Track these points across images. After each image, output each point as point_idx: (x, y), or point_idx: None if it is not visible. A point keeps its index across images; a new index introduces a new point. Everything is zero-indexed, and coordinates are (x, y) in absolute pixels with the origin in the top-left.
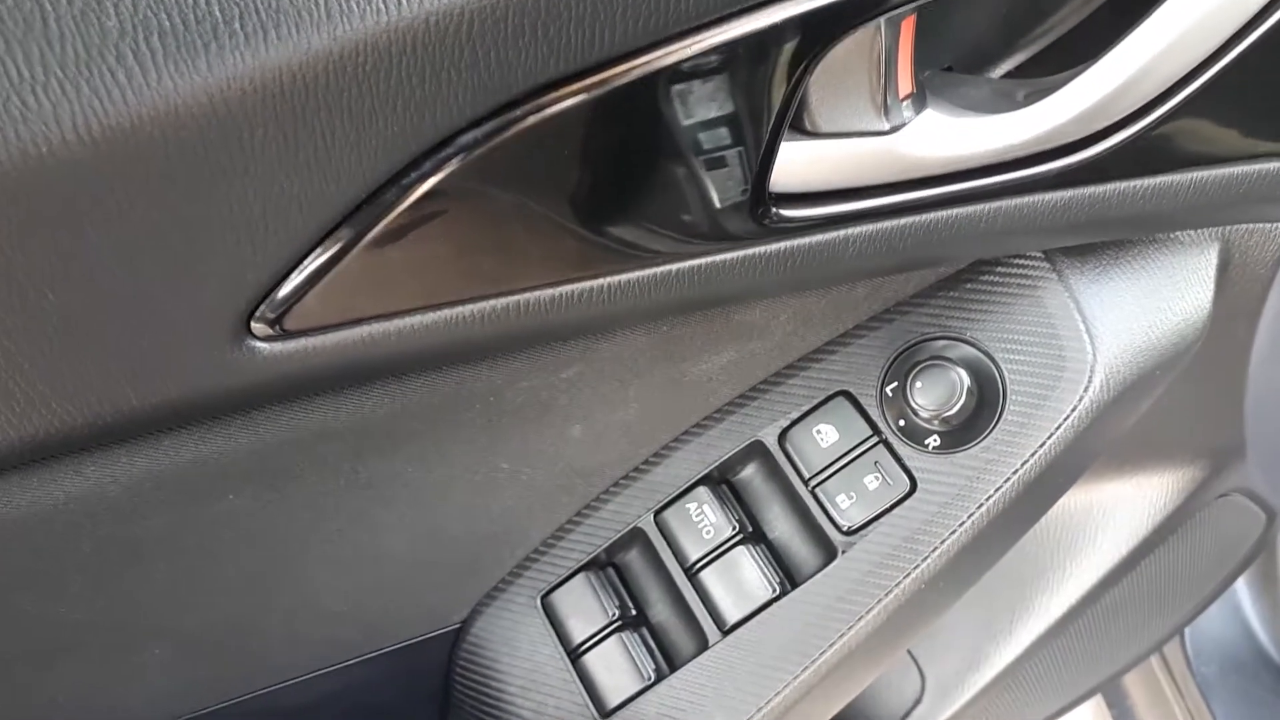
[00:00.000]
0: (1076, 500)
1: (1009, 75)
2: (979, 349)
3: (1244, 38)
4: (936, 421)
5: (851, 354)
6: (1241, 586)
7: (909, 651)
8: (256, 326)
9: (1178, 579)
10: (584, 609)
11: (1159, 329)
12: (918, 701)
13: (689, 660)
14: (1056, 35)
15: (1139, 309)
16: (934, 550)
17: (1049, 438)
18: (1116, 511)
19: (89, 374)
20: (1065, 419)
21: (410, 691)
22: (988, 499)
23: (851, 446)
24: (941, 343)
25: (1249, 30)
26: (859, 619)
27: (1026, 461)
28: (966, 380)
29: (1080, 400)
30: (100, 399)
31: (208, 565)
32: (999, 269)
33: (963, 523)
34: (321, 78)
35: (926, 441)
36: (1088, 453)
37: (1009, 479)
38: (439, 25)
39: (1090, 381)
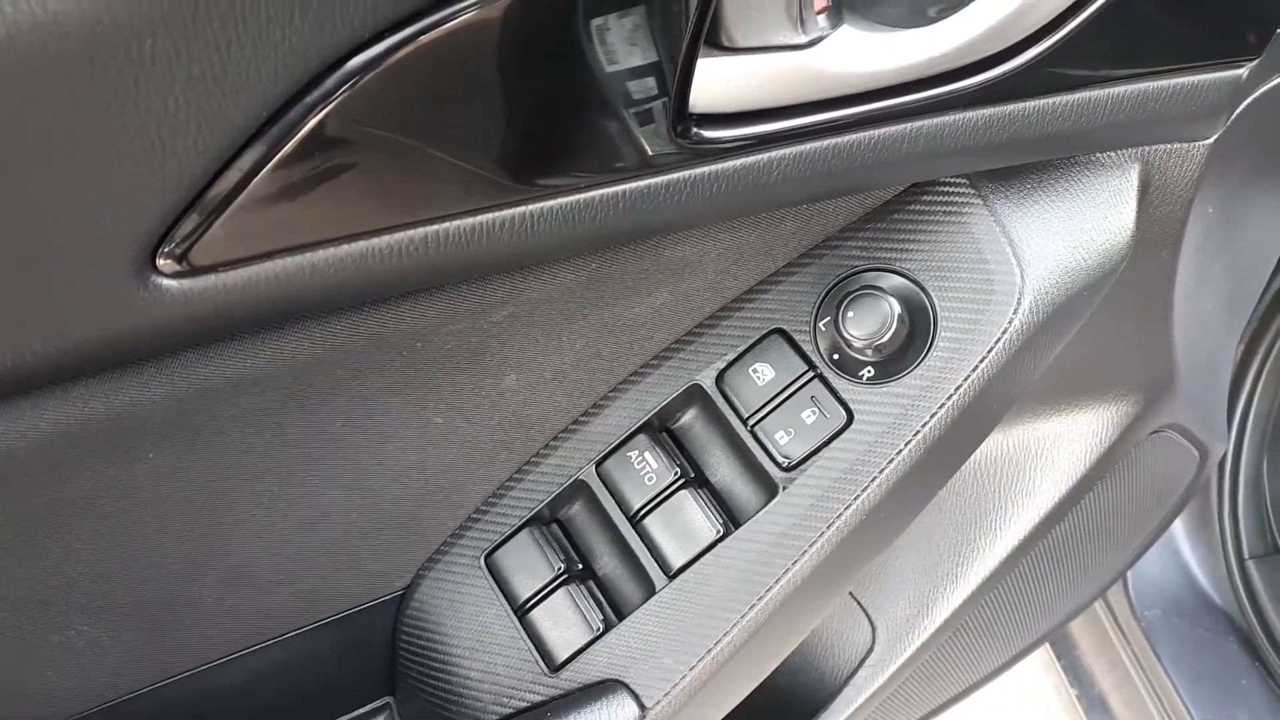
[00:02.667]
0: (1013, 441)
1: None
2: (909, 278)
3: None
4: (870, 352)
5: (784, 291)
6: (1179, 530)
7: (859, 602)
8: (162, 263)
9: (1116, 521)
10: (528, 566)
11: (1084, 250)
12: (870, 650)
13: (637, 608)
14: None
15: (1064, 231)
16: (873, 481)
17: (981, 362)
18: (1053, 451)
19: None
20: (996, 343)
21: (355, 663)
22: (924, 426)
23: (788, 383)
24: (871, 274)
25: None
26: (803, 554)
27: (960, 386)
28: (897, 309)
29: (1010, 323)
30: None
31: (133, 534)
32: (925, 198)
33: (900, 451)
34: None
35: (861, 373)
36: (1020, 378)
37: (944, 405)
38: None
39: (1019, 304)
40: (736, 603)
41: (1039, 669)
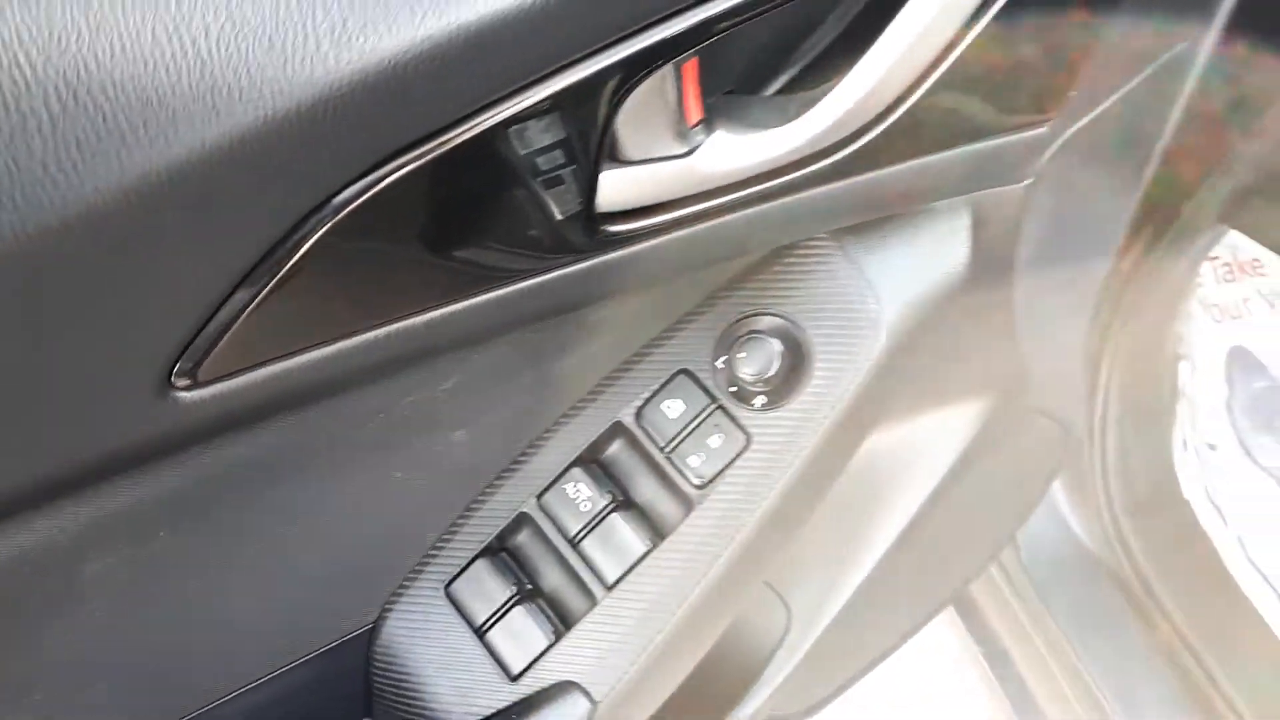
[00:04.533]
0: (895, 436)
1: (781, 92)
2: (787, 319)
3: (958, 44)
4: (760, 384)
5: (685, 337)
6: (1060, 494)
7: (775, 590)
8: (177, 380)
9: (997, 493)
10: (485, 591)
11: (929, 283)
12: (787, 631)
13: (582, 617)
14: (815, 54)
15: (911, 268)
16: (773, 491)
17: (852, 385)
18: (929, 442)
19: (37, 439)
20: (863, 369)
21: (334, 693)
22: (810, 443)
23: (695, 415)
24: (756, 318)
25: (961, 38)
26: (719, 557)
27: (836, 408)
28: (779, 347)
29: (873, 351)
30: (48, 459)
31: (141, 599)
32: (796, 252)
33: (792, 465)
34: (220, 166)
35: (755, 402)
36: (887, 392)
37: (824, 424)
38: (314, 111)
39: (879, 335)
40: (667, 604)
41: (946, 630)
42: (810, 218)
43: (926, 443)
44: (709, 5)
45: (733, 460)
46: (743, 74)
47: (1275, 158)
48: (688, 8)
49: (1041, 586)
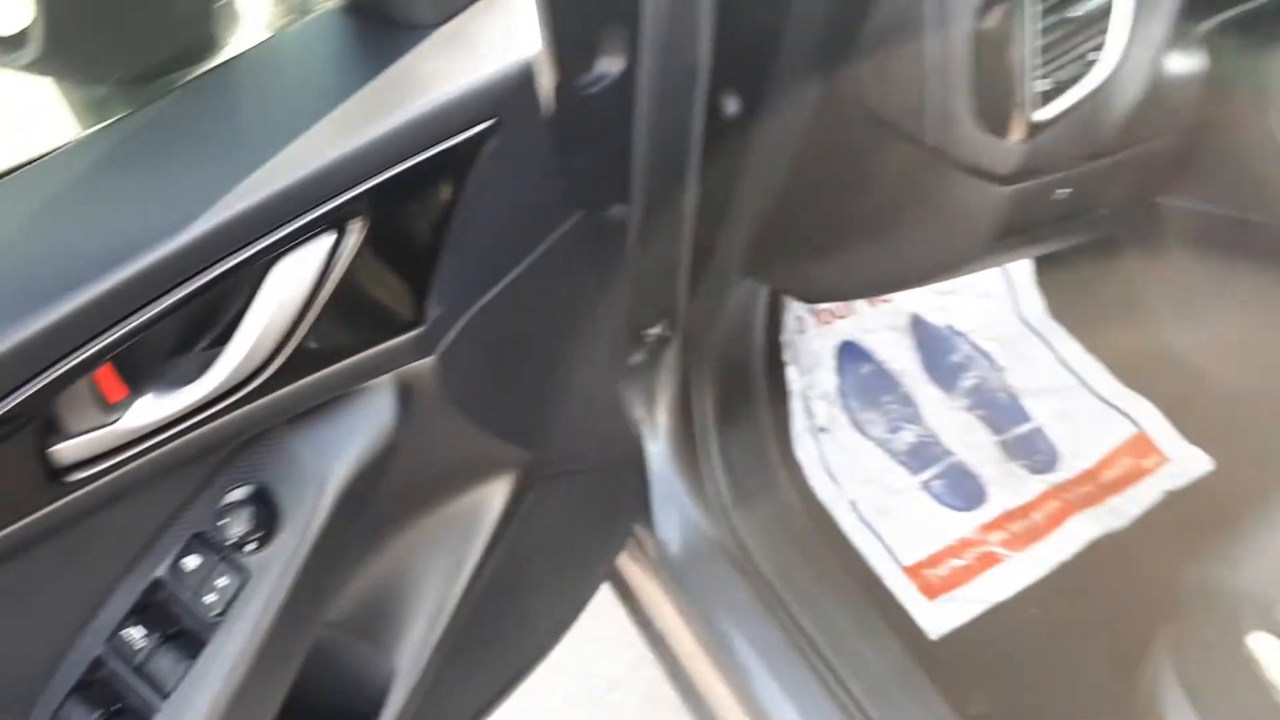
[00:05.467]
0: (443, 516)
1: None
2: (263, 486)
3: (317, 301)
4: (250, 534)
5: (195, 510)
6: (685, 494)
7: (376, 646)
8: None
9: (561, 543)
10: (78, 715)
11: (364, 442)
12: (393, 677)
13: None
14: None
15: (346, 437)
16: (274, 606)
17: (309, 533)
18: (473, 513)
19: None
20: (323, 512)
21: None
22: (287, 574)
23: (209, 564)
24: (241, 488)
25: (320, 293)
26: (242, 662)
27: (301, 547)
28: (259, 506)
29: (327, 500)
30: None
31: None
32: (261, 438)
33: (279, 591)
34: None
35: (248, 548)
36: (348, 528)
37: (294, 558)
38: None
39: (325, 493)
40: (214, 703)
41: (615, 622)
42: (258, 420)
43: (470, 514)
44: (91, 343)
45: (238, 591)
46: (169, 347)
47: (772, 217)
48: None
49: (685, 579)
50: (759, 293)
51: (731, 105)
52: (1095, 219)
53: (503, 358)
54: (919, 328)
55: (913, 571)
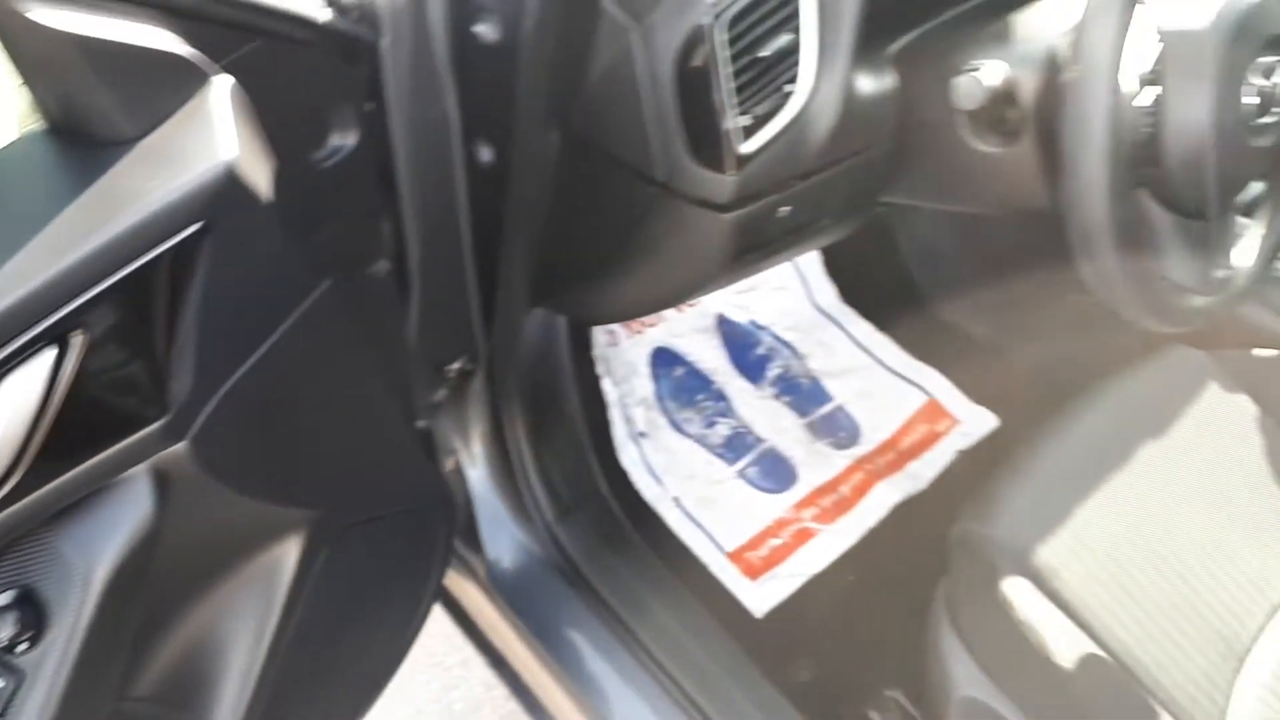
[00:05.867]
0: (241, 577)
1: None
2: (31, 586)
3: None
4: (19, 637)
5: None
6: (508, 519)
7: (189, 714)
8: None
9: (376, 578)
10: None
11: (126, 535)
12: None
13: None
14: None
15: (109, 530)
16: (53, 700)
17: (79, 627)
18: (270, 572)
19: None
20: (82, 614)
21: None
22: (63, 669)
23: None
24: (7, 593)
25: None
26: None
27: (72, 641)
28: (25, 609)
29: (85, 600)
30: None
31: None
32: (16, 545)
33: (56, 686)
34: None
35: (19, 649)
36: (121, 614)
37: (67, 653)
38: None
39: (90, 586)
40: None
41: (466, 647)
42: (10, 528)
43: (266, 576)
44: None
45: (14, 694)
46: None
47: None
48: None
49: (517, 598)
50: (559, 317)
51: (485, 154)
52: (822, 227)
53: (270, 428)
54: (724, 326)
55: (735, 556)
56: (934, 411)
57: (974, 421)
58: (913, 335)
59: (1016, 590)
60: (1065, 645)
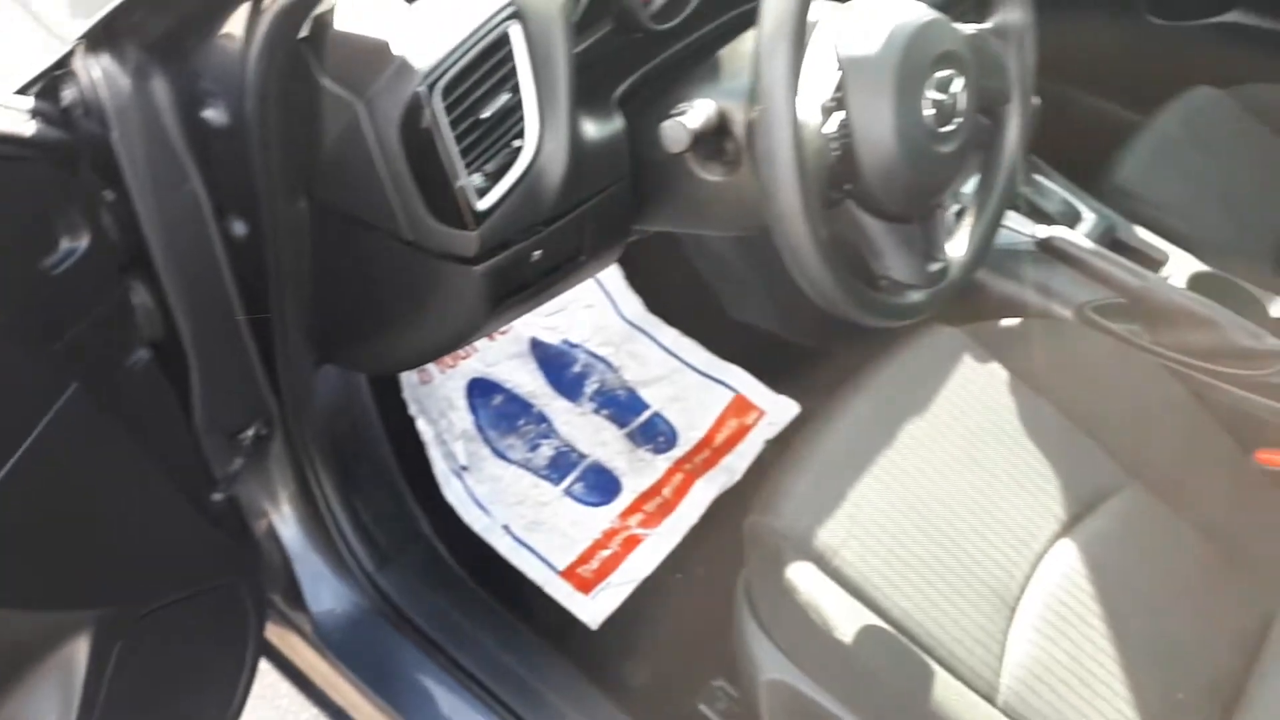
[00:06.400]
0: (31, 684)
1: None
2: None
3: None
4: None
5: None
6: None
7: None
8: None
9: (186, 659)
10: None
11: None
12: None
13: None
14: None
15: None
16: None
17: None
18: (64, 676)
19: None
20: None
21: None
22: None
23: None
24: None
25: None
26: None
27: None
28: None
29: None
30: None
31: None
32: None
33: None
34: None
35: None
36: None
37: None
38: None
39: None
40: None
41: (302, 704)
42: None
43: (60, 679)
44: None
45: None
46: None
47: None
48: None
49: (347, 652)
50: None
51: (238, 227)
52: (580, 264)
53: (36, 539)
54: (538, 349)
55: (568, 574)
56: (742, 406)
57: (779, 411)
58: (716, 336)
59: (802, 574)
60: (850, 620)
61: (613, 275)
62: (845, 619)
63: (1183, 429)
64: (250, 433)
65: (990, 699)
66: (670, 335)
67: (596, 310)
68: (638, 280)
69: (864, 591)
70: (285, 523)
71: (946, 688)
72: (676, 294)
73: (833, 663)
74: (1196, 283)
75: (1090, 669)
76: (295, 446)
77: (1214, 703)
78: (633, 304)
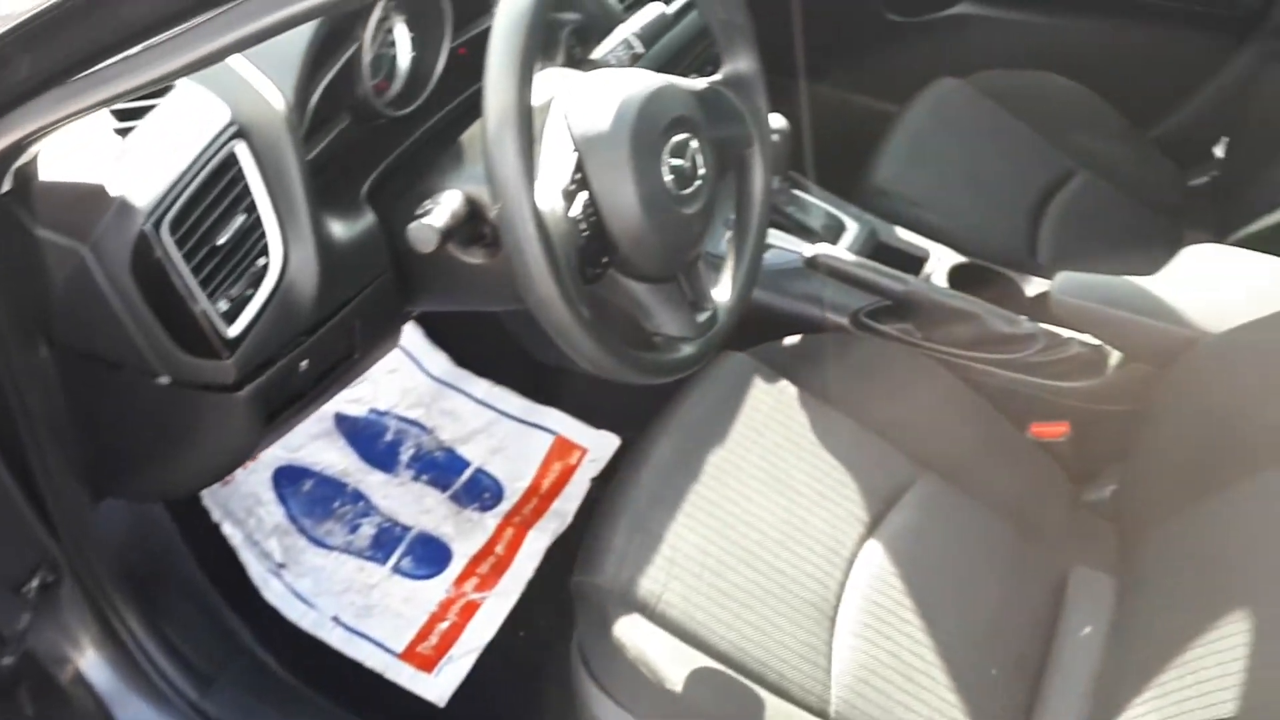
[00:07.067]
0: None
1: None
2: None
3: None
4: None
5: None
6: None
7: None
8: None
9: None
10: None
11: None
12: None
13: None
14: None
15: None
16: None
17: None
18: None
19: None
20: None
21: None
22: None
23: None
24: None
25: None
26: None
27: None
28: None
29: None
30: None
31: None
32: None
33: None
34: None
35: None
36: None
37: None
38: None
39: None
40: None
41: None
42: None
43: None
44: None
45: None
46: None
47: None
48: None
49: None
50: None
51: None
52: (354, 361)
53: None
54: (344, 423)
55: (408, 654)
56: (564, 447)
57: (600, 447)
58: (528, 382)
59: (630, 627)
60: (679, 664)
61: (413, 335)
62: (674, 664)
63: (963, 416)
64: (35, 583)
65: (823, 713)
66: (482, 387)
67: (401, 373)
68: (440, 336)
69: (690, 632)
70: (93, 667)
71: (777, 712)
72: (482, 345)
73: (669, 710)
74: (956, 275)
75: (911, 663)
76: (87, 586)
77: (1024, 671)
78: (439, 361)
